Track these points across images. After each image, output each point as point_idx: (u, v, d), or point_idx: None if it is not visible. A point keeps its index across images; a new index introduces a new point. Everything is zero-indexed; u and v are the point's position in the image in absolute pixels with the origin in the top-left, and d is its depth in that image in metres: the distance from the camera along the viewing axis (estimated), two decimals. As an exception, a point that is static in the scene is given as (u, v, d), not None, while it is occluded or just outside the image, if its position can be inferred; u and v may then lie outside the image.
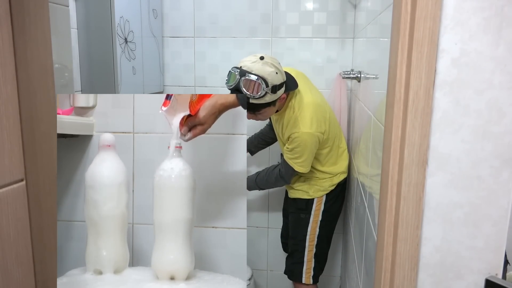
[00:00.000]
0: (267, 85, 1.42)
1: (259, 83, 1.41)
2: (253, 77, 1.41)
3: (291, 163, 1.62)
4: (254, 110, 1.52)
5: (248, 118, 1.59)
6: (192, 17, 2.13)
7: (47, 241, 0.66)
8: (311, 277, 1.76)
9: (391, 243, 0.74)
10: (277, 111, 1.64)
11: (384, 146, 0.78)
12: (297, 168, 1.62)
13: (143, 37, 1.88)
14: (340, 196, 1.80)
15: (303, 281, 1.76)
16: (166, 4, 2.12)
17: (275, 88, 1.46)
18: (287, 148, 1.62)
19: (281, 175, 1.69)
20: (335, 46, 2.03)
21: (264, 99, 1.46)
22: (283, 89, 1.50)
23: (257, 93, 1.42)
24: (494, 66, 0.65)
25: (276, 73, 1.45)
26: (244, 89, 1.42)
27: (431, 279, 0.73)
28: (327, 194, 1.74)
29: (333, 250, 2.18)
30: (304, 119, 1.56)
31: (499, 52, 0.65)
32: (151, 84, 2.04)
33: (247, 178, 1.75)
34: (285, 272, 1.84)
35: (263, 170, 1.81)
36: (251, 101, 1.46)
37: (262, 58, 1.45)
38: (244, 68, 1.43)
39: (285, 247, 2.01)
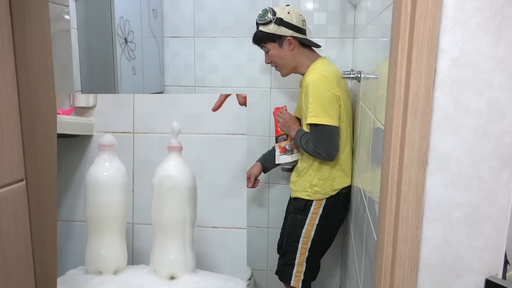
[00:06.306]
0: (274, 14, 1.65)
1: (267, 10, 1.67)
2: (267, 7, 1.69)
3: (308, 120, 1.57)
4: (260, 41, 1.71)
5: (266, 62, 1.77)
6: (192, 17, 2.13)
7: (47, 241, 0.66)
8: (300, 281, 1.71)
9: (391, 243, 0.74)
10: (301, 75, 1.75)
11: (384, 146, 0.78)
12: (310, 119, 1.56)
13: (143, 37, 1.88)
14: (343, 207, 1.76)
15: (292, 284, 1.72)
16: (166, 4, 2.12)
17: (281, 22, 1.65)
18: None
19: (308, 145, 1.61)
20: (335, 46, 2.03)
21: (268, 28, 1.66)
22: (289, 31, 1.66)
23: (264, 17, 1.67)
24: (494, 66, 0.65)
25: (288, 12, 1.67)
26: (259, 15, 1.70)
27: (431, 279, 0.73)
28: (327, 199, 1.70)
29: (333, 250, 2.18)
30: (318, 68, 1.65)
31: (499, 52, 0.65)
32: (151, 84, 2.04)
33: (298, 133, 1.68)
34: (276, 273, 1.80)
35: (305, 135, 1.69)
36: (260, 28, 1.68)
37: (287, 5, 1.74)
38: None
39: (280, 249, 1.94)
